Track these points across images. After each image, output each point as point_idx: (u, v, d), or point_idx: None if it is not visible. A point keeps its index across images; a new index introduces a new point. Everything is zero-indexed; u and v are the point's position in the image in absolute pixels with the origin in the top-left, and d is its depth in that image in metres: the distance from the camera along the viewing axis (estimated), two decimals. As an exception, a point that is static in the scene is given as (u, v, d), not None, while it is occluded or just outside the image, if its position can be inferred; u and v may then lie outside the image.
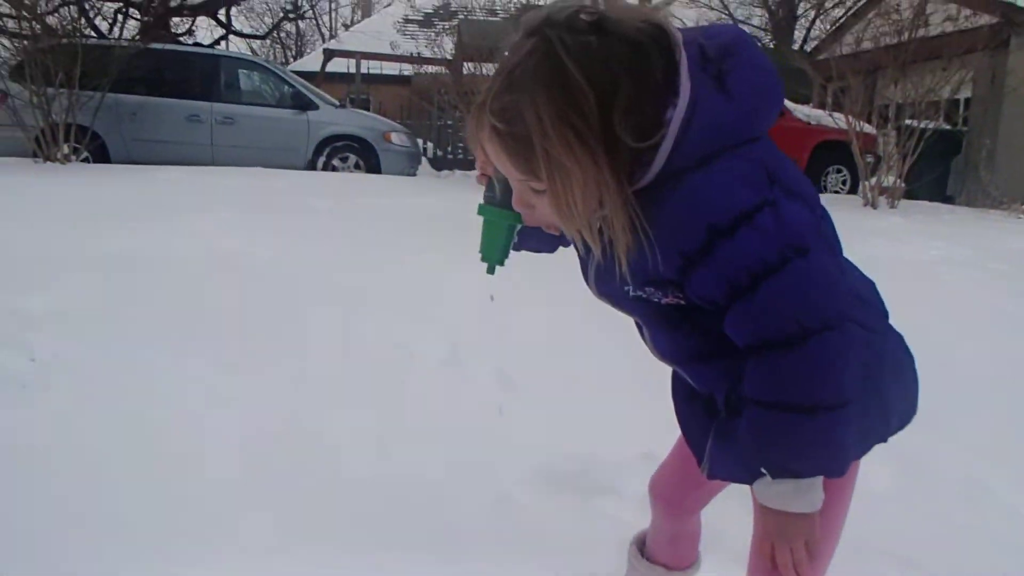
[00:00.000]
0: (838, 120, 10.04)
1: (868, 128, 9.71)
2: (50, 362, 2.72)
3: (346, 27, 28.67)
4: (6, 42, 9.45)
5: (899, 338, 1.33)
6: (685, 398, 1.38)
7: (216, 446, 2.36)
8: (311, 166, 10.07)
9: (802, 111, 11.34)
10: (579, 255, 1.29)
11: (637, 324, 1.34)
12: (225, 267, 3.73)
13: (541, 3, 1.20)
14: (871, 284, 1.35)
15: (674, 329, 1.24)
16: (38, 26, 9.23)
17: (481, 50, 10.89)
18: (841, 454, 1.14)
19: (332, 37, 28.61)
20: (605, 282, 1.24)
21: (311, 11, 27.33)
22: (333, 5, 32.81)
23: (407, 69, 17.34)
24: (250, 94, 10.62)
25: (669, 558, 1.69)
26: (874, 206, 9.04)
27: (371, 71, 18.48)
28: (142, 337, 2.91)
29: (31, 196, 5.77)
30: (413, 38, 19.12)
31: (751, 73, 1.13)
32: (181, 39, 16.42)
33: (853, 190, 11.15)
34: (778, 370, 1.09)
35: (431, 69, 13.75)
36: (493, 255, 1.26)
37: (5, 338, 2.81)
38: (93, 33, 14.17)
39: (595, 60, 1.03)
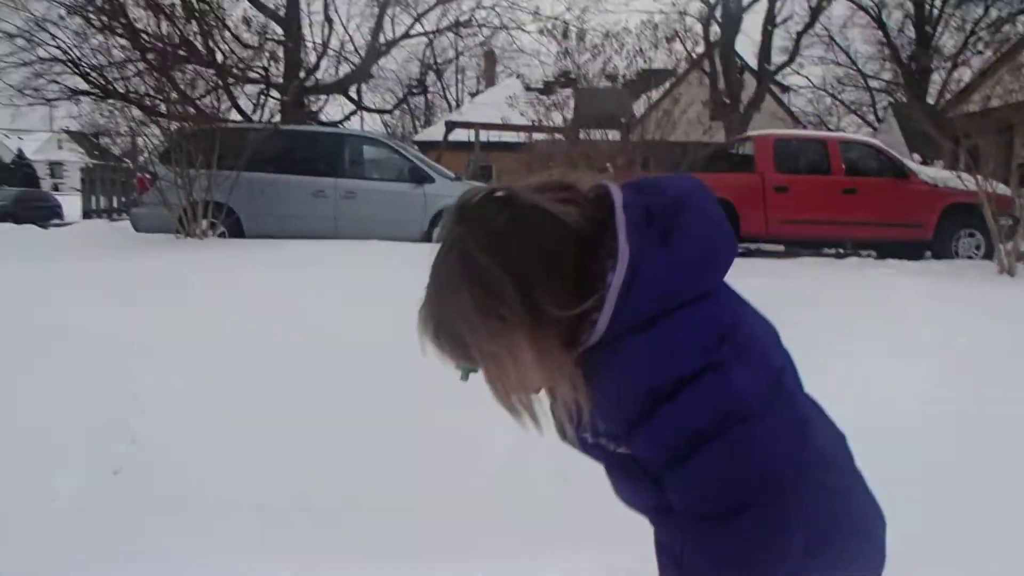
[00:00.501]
0: (967, 182, 9.52)
1: (1003, 189, 9.16)
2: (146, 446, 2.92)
3: (472, 96, 29.80)
4: (158, 131, 10.44)
5: (865, 499, 1.30)
6: (658, 546, 1.36)
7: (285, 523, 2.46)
8: (427, 238, 10.43)
9: (928, 173, 10.84)
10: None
11: (605, 468, 1.32)
12: (320, 347, 3.90)
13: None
14: (840, 440, 1.32)
15: (632, 479, 1.22)
16: (192, 110, 10.18)
17: (594, 117, 11.11)
18: None
19: (458, 106, 29.75)
20: (565, 431, 1.23)
21: (438, 82, 28.60)
22: (460, 76, 34.17)
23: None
24: (371, 169, 11.17)
25: None
26: (1011, 273, 8.44)
27: (491, 139, 19.10)
28: (228, 423, 3.07)
29: (165, 275, 6.23)
30: (533, 106, 19.66)
31: (698, 229, 1.12)
32: (316, 116, 17.50)
33: (988, 255, 10.48)
34: (711, 544, 1.09)
35: (547, 136, 14.12)
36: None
37: (110, 423, 3.03)
38: (238, 115, 15.42)
39: (506, 244, 1.06)
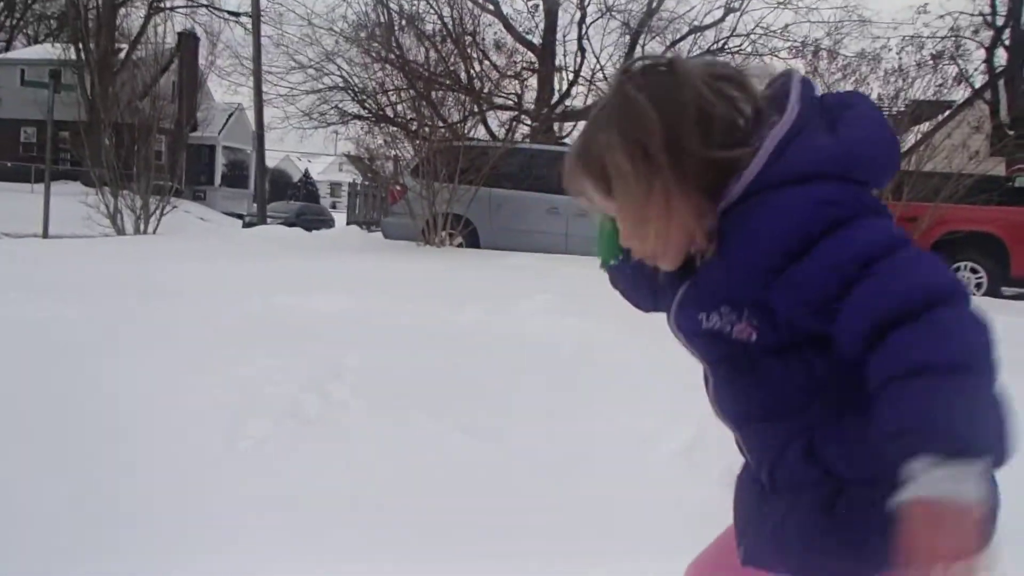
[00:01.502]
0: None
1: None
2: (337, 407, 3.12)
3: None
4: (410, 146, 11.30)
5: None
6: (741, 475, 1.31)
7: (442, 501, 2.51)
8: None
9: None
10: (666, 292, 1.28)
11: (704, 377, 1.28)
12: (510, 341, 3.97)
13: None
14: None
15: (736, 377, 1.19)
16: (447, 132, 10.94)
17: None
18: (1002, 430, 0.94)
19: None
20: (683, 311, 1.21)
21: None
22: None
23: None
24: (606, 190, 11.25)
25: None
26: None
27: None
28: (410, 399, 3.21)
29: (399, 275, 6.70)
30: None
31: (864, 123, 1.14)
32: (564, 141, 18.02)
33: None
34: (910, 337, 0.96)
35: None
36: (605, 256, 1.38)
37: (312, 383, 3.28)
38: (490, 138, 16.30)
39: (661, 86, 1.12)
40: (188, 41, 27.92)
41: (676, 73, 1.13)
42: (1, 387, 3.08)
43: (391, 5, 16.68)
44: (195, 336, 3.80)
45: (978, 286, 10.10)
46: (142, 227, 12.27)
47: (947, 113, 14.01)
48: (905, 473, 0.93)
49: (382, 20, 16.58)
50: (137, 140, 13.34)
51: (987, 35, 17.76)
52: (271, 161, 40.20)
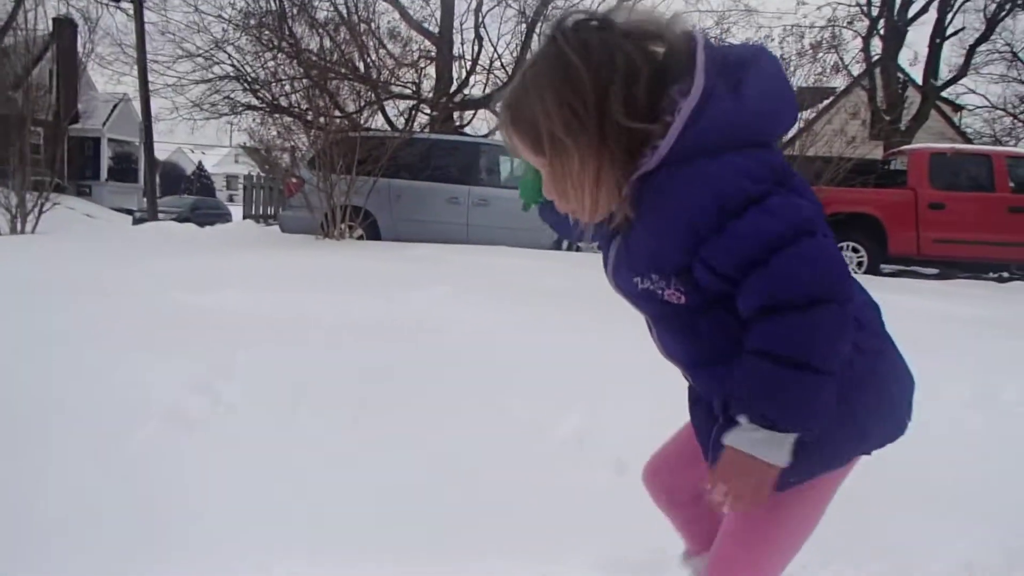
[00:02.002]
0: None
1: None
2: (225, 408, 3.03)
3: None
4: (305, 137, 11.02)
5: (893, 362, 1.40)
6: (693, 400, 1.46)
7: (335, 507, 2.47)
8: (556, 246, 10.41)
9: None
10: (601, 250, 1.41)
11: (648, 326, 1.44)
12: (407, 334, 3.94)
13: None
14: (874, 308, 1.42)
15: (675, 331, 1.34)
16: (345, 123, 10.70)
17: None
18: (816, 417, 1.20)
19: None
20: (619, 273, 1.34)
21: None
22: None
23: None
24: (506, 178, 11.28)
25: (693, 543, 1.73)
26: None
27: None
28: (300, 397, 3.14)
29: (295, 269, 6.54)
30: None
31: (765, 82, 1.23)
32: (462, 130, 17.96)
33: None
34: (776, 326, 1.16)
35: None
36: (527, 200, 1.58)
37: (201, 385, 3.18)
38: (388, 127, 16.07)
39: (594, 49, 1.18)
40: (64, 28, 26.41)
41: (610, 32, 1.19)
42: None
43: (280, -8, 16.19)
44: (76, 338, 3.63)
45: (860, 264, 10.63)
46: (19, 226, 11.58)
47: (829, 100, 14.65)
48: (736, 419, 1.22)
49: (273, 7, 16.10)
50: (11, 133, 12.58)
51: (863, 25, 18.65)
52: (162, 153, 38.59)
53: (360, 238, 10.59)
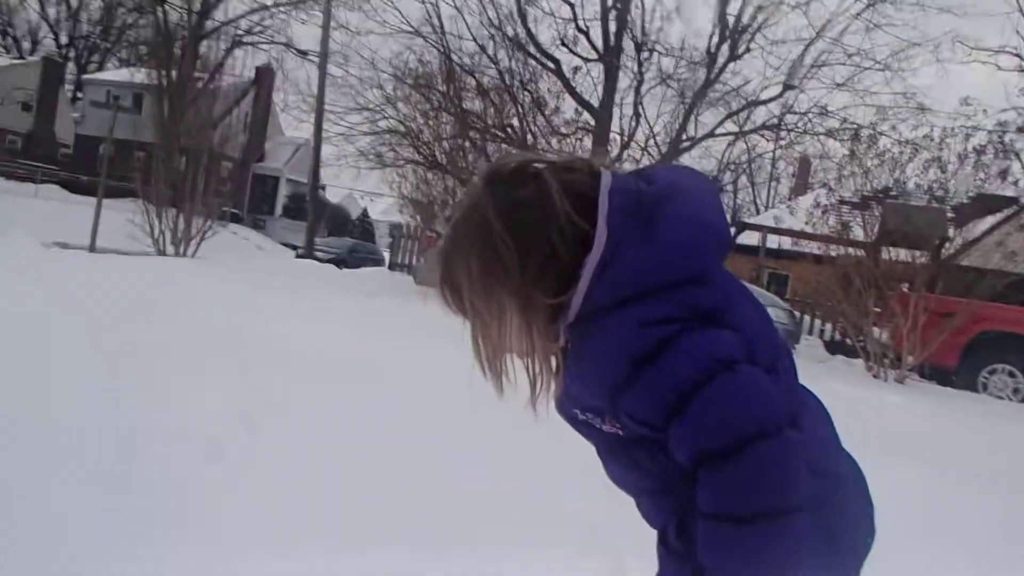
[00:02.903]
0: None
1: None
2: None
3: (784, 203, 28.86)
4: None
5: (843, 512, 1.25)
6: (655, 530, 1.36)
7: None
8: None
9: None
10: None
11: (597, 452, 1.35)
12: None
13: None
14: (831, 446, 1.30)
15: (617, 460, 1.27)
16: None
17: (903, 235, 10.14)
18: (793, 563, 1.10)
19: (768, 209, 28.93)
20: (561, 403, 1.28)
21: (749, 186, 27.94)
22: (773, 184, 33.37)
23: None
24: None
25: None
26: None
27: (790, 248, 18.18)
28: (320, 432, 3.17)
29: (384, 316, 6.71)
30: (838, 217, 18.50)
31: (682, 217, 1.17)
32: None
33: None
34: (717, 482, 1.09)
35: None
36: None
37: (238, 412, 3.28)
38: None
39: (522, 218, 1.15)
40: (264, 75, 28.98)
41: (540, 197, 1.15)
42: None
43: (453, 56, 17.08)
44: (146, 355, 3.86)
45: (1016, 391, 9.66)
46: (181, 249, 12.61)
47: (1005, 214, 13.61)
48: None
49: (443, 69, 16.96)
50: (198, 165, 13.80)
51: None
52: (335, 197, 41.25)
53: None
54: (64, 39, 43.24)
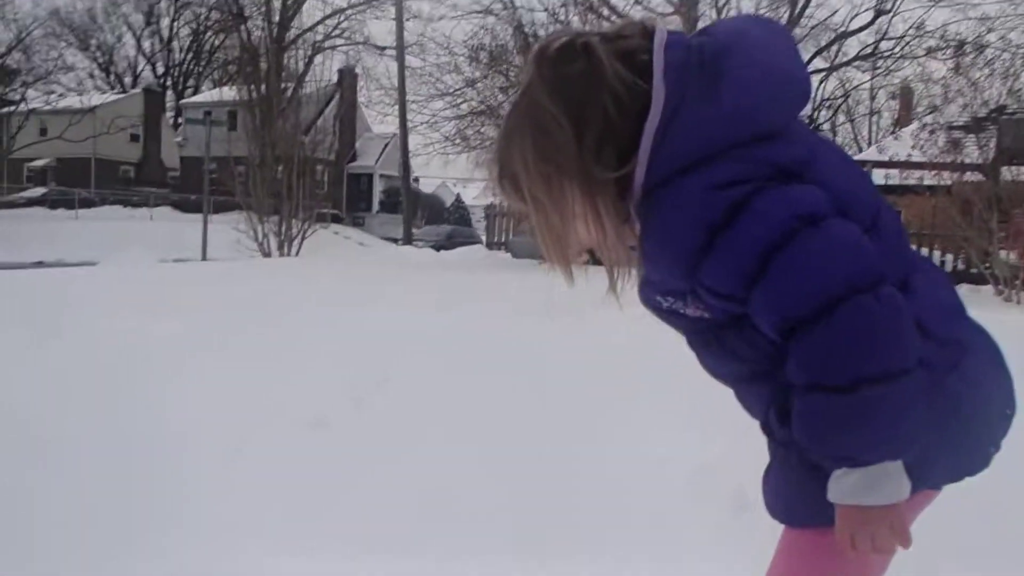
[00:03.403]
0: None
1: None
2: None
3: (890, 135, 27.38)
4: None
5: (974, 380, 1.12)
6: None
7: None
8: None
9: None
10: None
11: (688, 343, 1.27)
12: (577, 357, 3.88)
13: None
14: (950, 310, 1.17)
15: (709, 347, 1.19)
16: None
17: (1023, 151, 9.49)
18: (902, 433, 1.00)
19: (872, 144, 27.51)
20: (644, 291, 1.22)
21: (848, 124, 26.61)
22: (875, 118, 31.68)
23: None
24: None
25: None
26: None
27: (898, 183, 17.23)
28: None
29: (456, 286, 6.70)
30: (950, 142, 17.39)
31: (750, 69, 1.08)
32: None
33: None
34: (807, 349, 0.99)
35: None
36: None
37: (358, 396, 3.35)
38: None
39: (573, 93, 1.07)
40: (346, 77, 29.57)
41: (590, 68, 1.07)
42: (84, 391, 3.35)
43: (526, 30, 16.94)
44: (261, 347, 3.98)
45: None
46: (286, 249, 13.07)
47: None
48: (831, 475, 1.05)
49: (517, 44, 16.86)
50: (293, 171, 14.27)
51: None
52: (427, 187, 41.85)
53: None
54: (160, 69, 45.46)
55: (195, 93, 42.40)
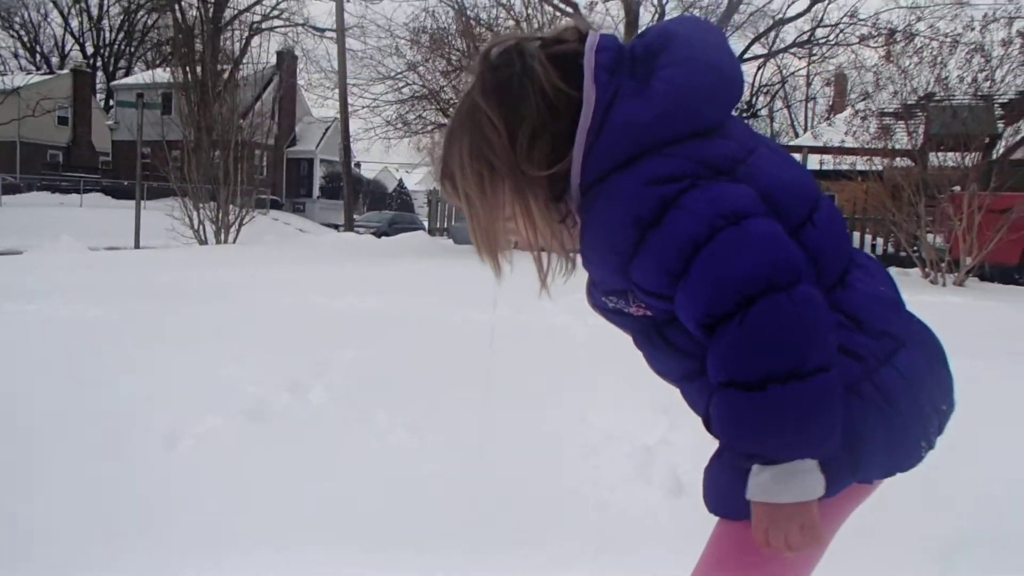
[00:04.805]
0: None
1: None
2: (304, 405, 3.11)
3: (824, 122, 27.96)
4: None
5: (909, 375, 1.12)
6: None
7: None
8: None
9: None
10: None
11: (634, 342, 1.28)
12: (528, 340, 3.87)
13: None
14: (887, 303, 1.18)
15: (651, 345, 1.21)
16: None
17: (950, 136, 9.76)
18: (814, 431, 1.01)
19: (807, 130, 28.09)
20: (591, 293, 1.24)
21: (785, 110, 27.07)
22: (810, 104, 32.35)
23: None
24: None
25: None
26: None
27: (832, 168, 17.64)
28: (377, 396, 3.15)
29: (424, 277, 6.66)
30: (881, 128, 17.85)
31: (679, 70, 1.10)
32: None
33: None
34: (724, 345, 1.00)
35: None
36: None
37: (296, 382, 3.28)
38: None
39: (508, 97, 1.10)
40: (285, 59, 28.97)
41: (523, 71, 1.10)
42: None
43: (468, 13, 16.81)
44: (190, 336, 3.88)
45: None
46: (223, 237, 12.78)
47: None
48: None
49: (459, 28, 16.72)
50: (232, 156, 13.91)
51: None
52: (369, 172, 41.35)
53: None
54: (90, 49, 43.83)
55: (127, 74, 41.04)
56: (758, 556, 1.11)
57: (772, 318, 0.97)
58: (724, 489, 1.15)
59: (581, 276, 1.21)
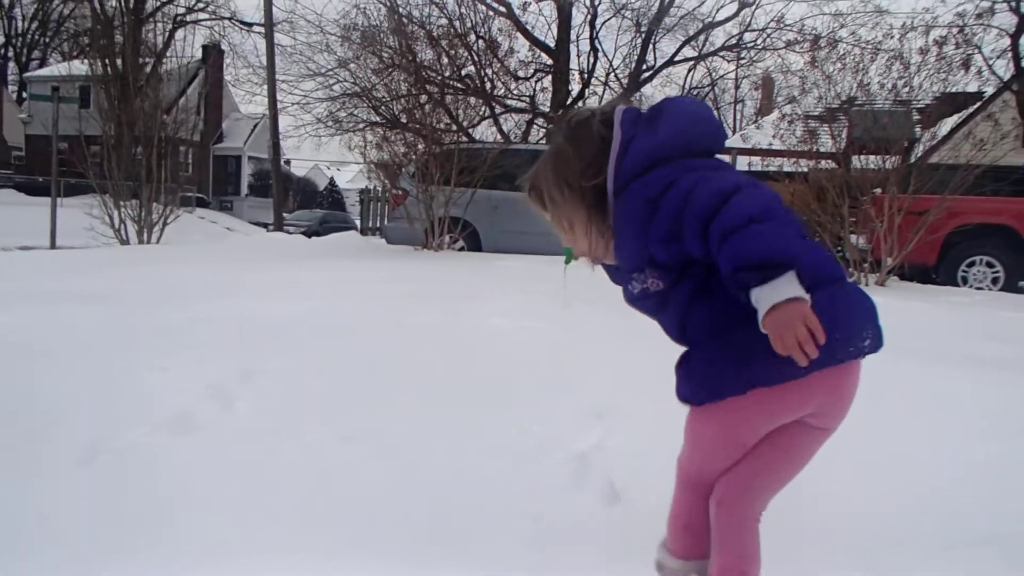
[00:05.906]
0: None
1: None
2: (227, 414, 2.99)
3: (754, 121, 28.55)
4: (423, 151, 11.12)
5: (850, 293, 1.70)
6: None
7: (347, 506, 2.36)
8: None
9: None
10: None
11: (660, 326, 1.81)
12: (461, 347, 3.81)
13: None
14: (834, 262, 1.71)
15: (667, 313, 1.73)
16: (459, 135, 10.74)
17: (872, 140, 10.04)
18: (787, 244, 1.50)
19: (736, 133, 28.65)
20: (625, 292, 1.81)
21: (713, 108, 27.53)
22: (739, 107, 33.05)
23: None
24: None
25: (673, 540, 1.90)
26: None
27: (763, 169, 18.02)
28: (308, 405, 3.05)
29: (361, 279, 6.55)
30: (807, 131, 18.31)
31: (676, 115, 1.74)
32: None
33: None
34: (725, 215, 1.51)
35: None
36: (567, 258, 1.94)
37: (218, 391, 3.15)
38: (502, 139, 16.11)
39: (577, 139, 1.76)
40: (211, 53, 28.21)
41: (589, 127, 1.75)
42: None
43: (401, 11, 16.63)
44: (115, 342, 3.70)
45: (995, 281, 9.69)
46: (145, 236, 12.33)
47: (978, 104, 13.49)
48: (754, 301, 1.50)
49: (392, 25, 16.52)
50: (155, 152, 13.43)
51: (1012, 21, 17.02)
52: (299, 170, 40.58)
53: (461, 249, 10.60)
54: (1, 39, 41.86)
55: (41, 66, 39.31)
56: (745, 425, 1.69)
57: (749, 196, 1.53)
58: (719, 368, 1.65)
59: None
